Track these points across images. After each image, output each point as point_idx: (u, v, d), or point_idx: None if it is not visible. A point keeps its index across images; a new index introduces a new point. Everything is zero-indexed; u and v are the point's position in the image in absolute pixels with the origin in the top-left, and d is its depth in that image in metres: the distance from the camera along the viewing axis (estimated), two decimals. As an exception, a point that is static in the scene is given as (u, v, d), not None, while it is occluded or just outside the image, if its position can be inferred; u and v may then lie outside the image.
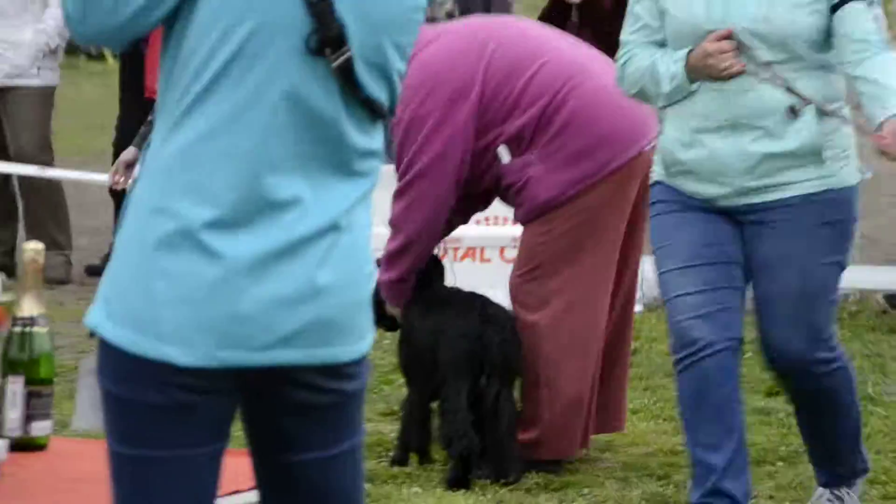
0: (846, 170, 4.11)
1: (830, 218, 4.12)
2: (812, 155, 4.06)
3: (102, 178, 6.62)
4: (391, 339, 5.19)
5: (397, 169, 4.79)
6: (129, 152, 5.75)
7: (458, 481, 4.55)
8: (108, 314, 2.13)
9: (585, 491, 4.58)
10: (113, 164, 6.05)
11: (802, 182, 4.08)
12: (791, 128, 4.04)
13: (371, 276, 2.26)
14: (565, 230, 4.73)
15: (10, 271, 6.52)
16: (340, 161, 2.18)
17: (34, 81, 7.24)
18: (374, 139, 2.23)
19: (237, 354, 2.10)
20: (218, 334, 2.11)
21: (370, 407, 5.00)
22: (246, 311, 2.10)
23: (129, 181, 5.32)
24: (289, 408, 2.21)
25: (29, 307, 2.83)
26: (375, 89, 2.19)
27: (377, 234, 2.50)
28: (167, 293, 2.10)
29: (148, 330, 2.11)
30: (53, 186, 7.33)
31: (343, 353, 2.20)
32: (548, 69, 4.77)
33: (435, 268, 4.97)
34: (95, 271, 7.05)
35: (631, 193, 4.77)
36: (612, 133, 4.74)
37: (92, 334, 2.25)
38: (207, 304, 2.11)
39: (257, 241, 2.11)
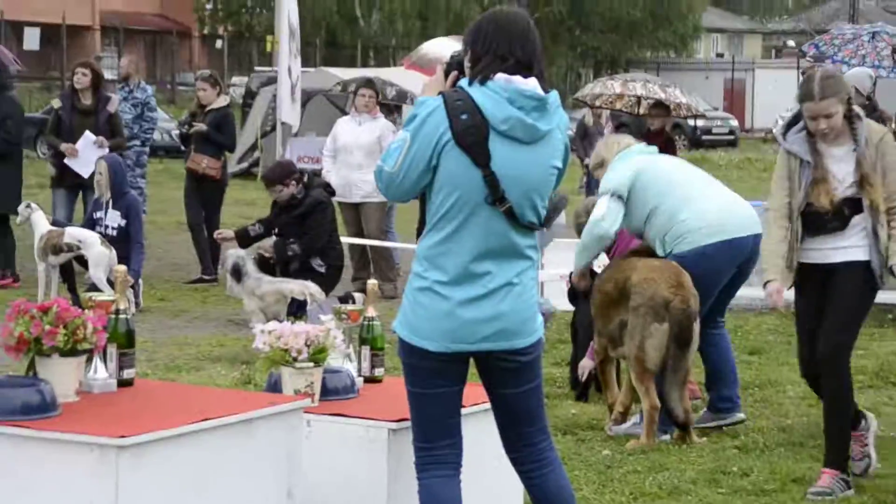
0: None
1: None
2: None
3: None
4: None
5: None
6: None
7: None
8: (399, 323, 4.50)
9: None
10: None
11: None
12: None
13: (535, 306, 4.58)
14: None
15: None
16: (512, 252, 4.48)
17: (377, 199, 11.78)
18: (532, 239, 4.53)
19: (460, 346, 4.40)
20: (448, 336, 4.34)
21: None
22: (462, 324, 4.35)
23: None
24: (495, 369, 4.47)
25: (370, 311, 5.34)
26: (530, 215, 4.50)
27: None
28: (422, 314, 4.40)
29: (415, 332, 4.40)
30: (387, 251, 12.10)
31: (519, 343, 4.43)
32: None
33: None
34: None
35: None
36: None
37: (393, 331, 4.63)
38: (442, 321, 4.33)
39: (468, 292, 4.37)
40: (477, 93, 4.30)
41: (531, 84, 4.32)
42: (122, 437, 3.84)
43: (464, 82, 4.37)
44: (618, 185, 7.15)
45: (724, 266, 7.21)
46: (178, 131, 13.59)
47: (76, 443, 3.86)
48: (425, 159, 4.30)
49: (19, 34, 42.81)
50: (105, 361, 4.49)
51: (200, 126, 12.81)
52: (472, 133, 4.27)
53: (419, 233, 10.66)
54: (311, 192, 10.42)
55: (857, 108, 6.15)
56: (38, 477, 3.91)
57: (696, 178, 7.48)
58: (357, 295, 10.63)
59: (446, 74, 4.47)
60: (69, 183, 12.29)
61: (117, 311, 4.57)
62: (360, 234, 12.39)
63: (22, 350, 4.23)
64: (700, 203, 7.20)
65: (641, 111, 12.90)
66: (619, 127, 15.53)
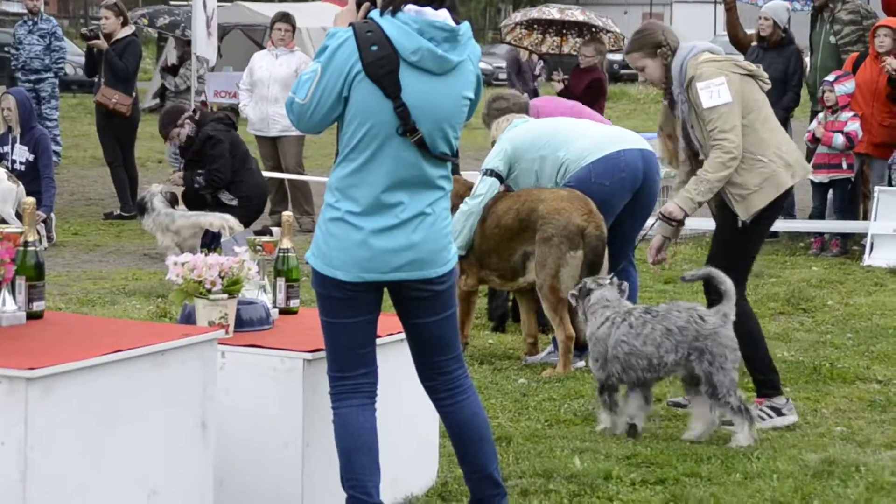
0: None
1: None
2: None
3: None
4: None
5: None
6: None
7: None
8: (312, 253, 4.51)
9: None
10: None
11: None
12: None
13: (448, 235, 4.59)
14: None
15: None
16: (424, 182, 4.49)
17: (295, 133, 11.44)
18: (444, 169, 4.54)
19: (372, 275, 4.41)
20: (360, 266, 4.34)
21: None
22: (374, 254, 4.35)
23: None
24: (408, 299, 4.48)
25: (286, 243, 5.33)
26: (442, 146, 4.51)
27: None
28: (334, 245, 4.38)
29: (328, 262, 4.39)
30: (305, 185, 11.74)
31: (432, 272, 4.44)
32: None
33: None
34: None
35: None
36: None
37: (306, 262, 4.65)
38: (355, 250, 4.34)
39: (379, 222, 4.35)
40: (387, 24, 4.29)
41: (442, 15, 4.32)
42: (31, 368, 3.81)
43: (375, 14, 4.35)
44: (494, 163, 7.38)
45: (615, 184, 7.27)
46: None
47: (-16, 375, 3.81)
48: (336, 91, 4.30)
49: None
50: (14, 294, 4.45)
51: (101, 42, 12.65)
52: (382, 65, 4.26)
53: None
54: (204, 129, 10.52)
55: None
56: (-55, 410, 3.87)
57: (567, 122, 7.69)
58: (275, 229, 10.66)
59: (358, 6, 4.45)
60: None
61: (26, 244, 4.51)
62: (279, 168, 12.35)
63: (-72, 283, 4.18)
64: (579, 140, 7.38)
65: (567, 49, 12.93)
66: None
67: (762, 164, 6.03)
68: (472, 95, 4.47)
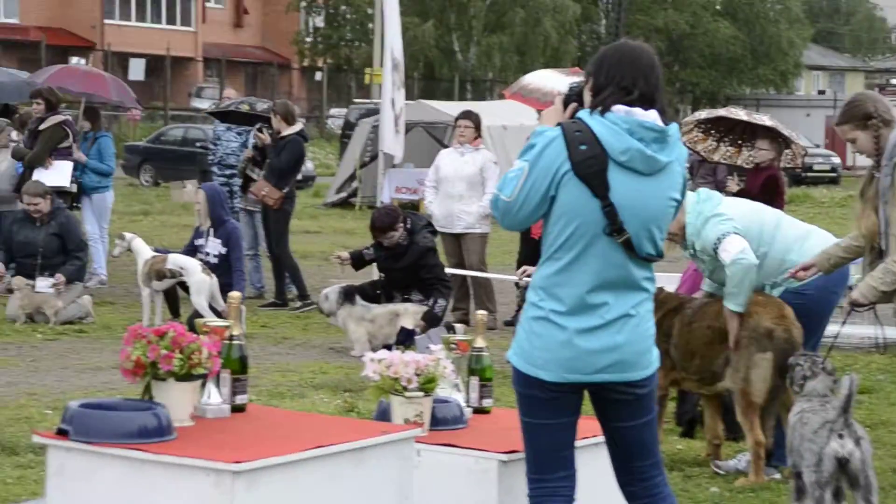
0: None
1: None
2: None
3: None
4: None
5: None
6: None
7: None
8: (514, 352, 4.45)
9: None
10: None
11: None
12: None
13: (651, 338, 4.50)
14: None
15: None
16: (629, 283, 4.43)
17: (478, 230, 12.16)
18: (649, 271, 4.48)
19: (575, 376, 4.37)
20: (564, 366, 4.30)
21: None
22: (578, 355, 4.32)
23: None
24: (609, 401, 4.43)
25: (479, 342, 5.30)
26: (648, 247, 4.45)
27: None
28: (538, 344, 4.35)
29: (530, 361, 4.36)
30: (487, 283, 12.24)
31: (634, 375, 4.38)
32: None
33: None
34: (508, 324, 11.34)
35: None
36: None
37: (507, 361, 4.61)
38: (558, 350, 4.30)
39: (584, 322, 4.33)
40: (596, 123, 4.27)
41: (651, 116, 4.29)
42: (238, 462, 3.83)
43: (582, 113, 4.34)
44: (733, 224, 6.95)
45: (839, 290, 7.14)
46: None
47: (193, 467, 3.86)
48: (543, 189, 4.28)
49: (125, 65, 43.57)
50: (219, 387, 4.50)
51: (265, 137, 13.04)
52: (591, 164, 4.24)
53: (519, 265, 10.66)
54: (416, 239, 10.57)
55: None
56: (154, 500, 3.92)
57: (788, 219, 7.40)
58: (458, 325, 10.69)
59: (565, 105, 4.44)
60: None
61: (231, 337, 4.59)
62: (461, 265, 12.40)
63: (139, 374, 4.25)
64: (805, 241, 7.12)
65: (741, 161, 12.75)
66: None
67: None
68: (679, 196, 4.43)
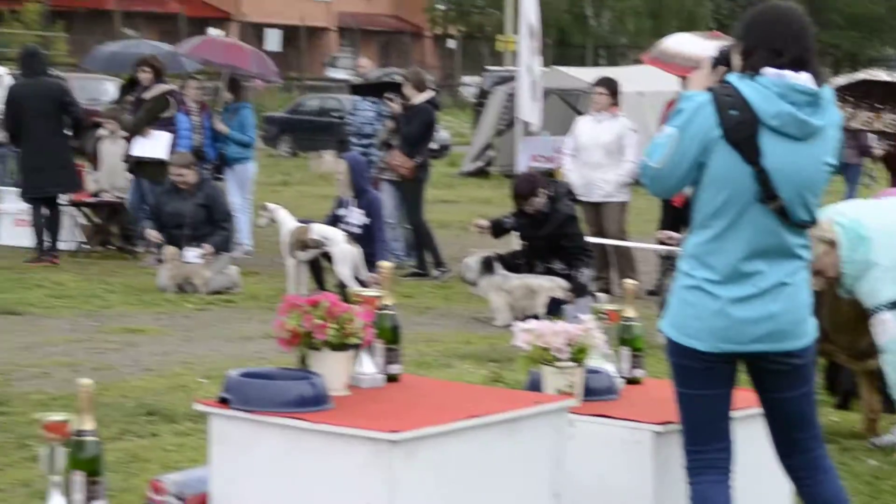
0: None
1: None
2: None
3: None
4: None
5: None
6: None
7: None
8: (667, 322, 4.39)
9: None
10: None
11: None
12: None
13: (808, 307, 4.38)
14: None
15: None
16: (783, 251, 4.35)
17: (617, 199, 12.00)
18: (804, 238, 4.39)
19: (730, 346, 4.26)
20: (718, 335, 4.20)
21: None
22: (732, 324, 4.21)
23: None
24: (766, 372, 4.35)
25: (630, 312, 5.25)
26: (802, 214, 4.36)
27: None
28: (691, 313, 4.27)
29: (683, 331, 4.29)
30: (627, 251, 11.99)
31: (790, 345, 4.29)
32: None
33: None
34: (651, 293, 10.98)
35: None
36: None
37: (660, 331, 4.57)
38: (712, 320, 4.20)
39: (737, 291, 4.22)
40: (746, 87, 4.19)
41: (803, 78, 4.20)
42: (395, 431, 3.86)
43: (731, 77, 4.26)
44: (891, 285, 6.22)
45: None
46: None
47: (351, 436, 3.90)
48: (692, 155, 4.21)
49: (260, 35, 44.06)
50: (372, 356, 4.53)
51: (395, 107, 13.06)
52: (742, 129, 4.16)
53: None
54: (558, 206, 10.51)
55: None
56: (312, 469, 3.97)
57: None
58: (600, 295, 10.65)
59: (713, 69, 4.37)
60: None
61: (383, 307, 4.60)
62: (600, 234, 12.33)
63: (294, 343, 4.30)
64: None
65: (881, 125, 12.38)
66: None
67: None
68: (833, 161, 4.33)
